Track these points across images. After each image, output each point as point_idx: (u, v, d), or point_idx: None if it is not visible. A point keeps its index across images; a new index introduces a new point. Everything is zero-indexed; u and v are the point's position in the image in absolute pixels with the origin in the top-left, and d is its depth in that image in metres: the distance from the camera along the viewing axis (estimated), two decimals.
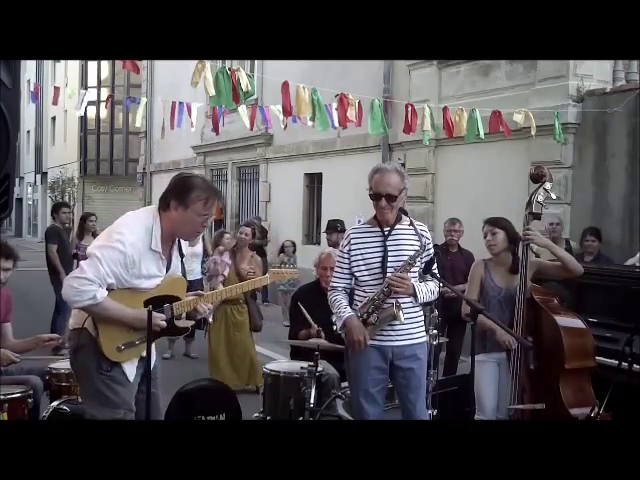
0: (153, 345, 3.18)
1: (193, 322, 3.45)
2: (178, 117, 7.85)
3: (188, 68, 6.07)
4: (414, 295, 3.64)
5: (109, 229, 3.15)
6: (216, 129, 8.11)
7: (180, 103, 7.90)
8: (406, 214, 3.92)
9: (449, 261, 6.66)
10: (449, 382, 4.94)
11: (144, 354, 3.18)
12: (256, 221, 12.97)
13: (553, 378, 4.02)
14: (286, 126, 7.92)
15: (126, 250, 3.00)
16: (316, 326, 4.91)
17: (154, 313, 3.05)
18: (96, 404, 3.12)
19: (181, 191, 3.13)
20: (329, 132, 8.34)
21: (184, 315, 3.34)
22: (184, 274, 3.39)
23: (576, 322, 4.18)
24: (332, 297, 3.79)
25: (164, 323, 3.16)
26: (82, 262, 3.07)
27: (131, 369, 3.21)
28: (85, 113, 30.05)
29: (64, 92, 9.53)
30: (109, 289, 3.04)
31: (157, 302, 3.17)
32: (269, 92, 11.58)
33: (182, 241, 3.36)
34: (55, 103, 8.43)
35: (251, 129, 8.46)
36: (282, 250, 11.72)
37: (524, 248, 4.12)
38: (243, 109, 7.59)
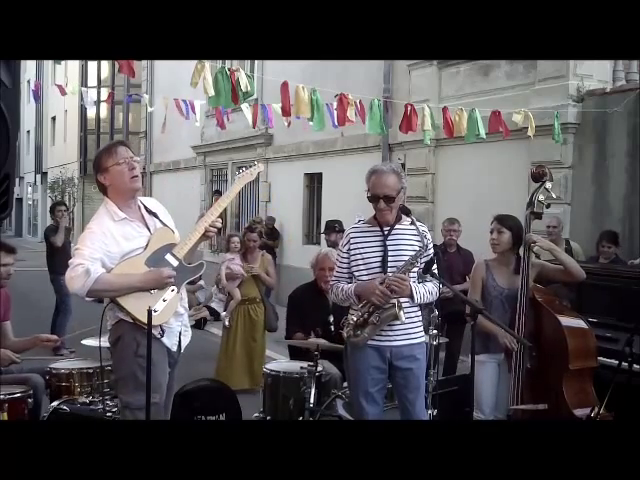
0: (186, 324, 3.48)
1: (202, 260, 3.61)
2: (185, 109, 7.82)
3: (188, 68, 6.05)
4: (410, 296, 3.63)
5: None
6: (221, 125, 8.10)
7: (183, 100, 7.89)
8: (408, 214, 3.86)
9: (447, 261, 6.66)
10: (449, 382, 4.93)
11: (180, 310, 3.41)
12: (269, 222, 12.98)
13: (556, 378, 4.01)
14: (289, 123, 7.90)
15: (95, 229, 3.27)
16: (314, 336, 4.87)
17: (158, 269, 3.25)
18: (131, 389, 3.25)
19: (97, 165, 3.40)
20: (329, 132, 8.32)
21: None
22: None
23: (579, 322, 4.17)
24: (334, 288, 3.78)
25: (173, 272, 3.29)
26: (69, 261, 3.27)
27: (171, 340, 3.37)
28: (85, 113, 30.31)
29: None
30: (105, 269, 3.19)
31: (157, 258, 3.32)
32: (269, 92, 11.56)
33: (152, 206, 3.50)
34: (63, 94, 8.45)
35: (254, 127, 8.45)
36: None
37: (526, 248, 4.13)
38: (246, 107, 7.57)
